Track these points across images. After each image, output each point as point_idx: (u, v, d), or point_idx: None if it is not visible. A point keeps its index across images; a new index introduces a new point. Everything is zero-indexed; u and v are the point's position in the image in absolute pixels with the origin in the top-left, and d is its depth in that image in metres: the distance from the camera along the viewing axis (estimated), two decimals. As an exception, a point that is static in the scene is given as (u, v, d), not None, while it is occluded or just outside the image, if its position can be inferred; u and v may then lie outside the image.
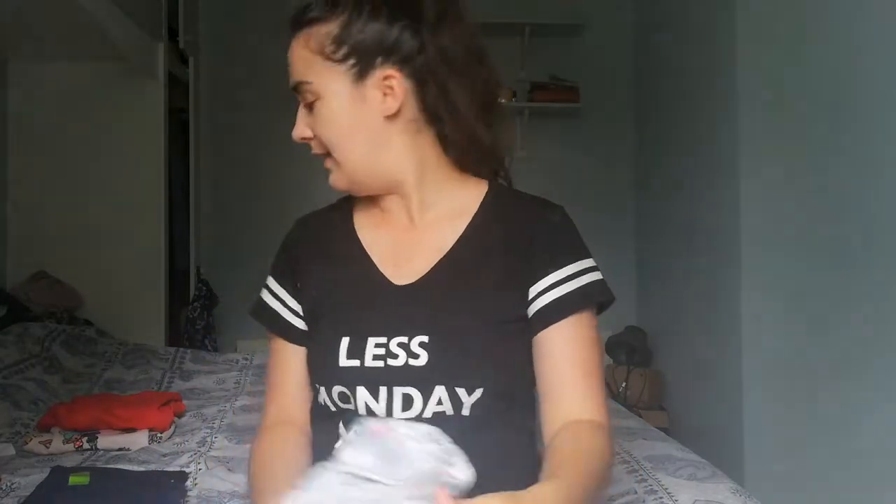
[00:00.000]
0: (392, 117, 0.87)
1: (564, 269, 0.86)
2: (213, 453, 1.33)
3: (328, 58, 0.85)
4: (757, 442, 2.28)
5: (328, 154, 0.90)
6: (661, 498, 1.05)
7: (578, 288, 0.85)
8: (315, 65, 0.86)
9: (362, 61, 0.85)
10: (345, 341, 0.85)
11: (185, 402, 1.66)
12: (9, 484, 1.16)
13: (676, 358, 3.03)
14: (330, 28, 0.85)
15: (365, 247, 0.93)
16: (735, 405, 2.35)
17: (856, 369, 1.86)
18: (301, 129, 0.90)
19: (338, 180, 0.91)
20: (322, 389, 0.87)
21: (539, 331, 0.85)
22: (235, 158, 3.47)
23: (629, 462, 1.22)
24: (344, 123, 0.87)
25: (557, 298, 0.85)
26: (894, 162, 1.72)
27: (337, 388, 0.85)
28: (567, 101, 3.43)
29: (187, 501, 1.10)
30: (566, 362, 0.84)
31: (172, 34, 2.97)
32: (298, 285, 0.95)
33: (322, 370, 0.88)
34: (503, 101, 3.44)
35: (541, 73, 3.49)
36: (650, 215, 3.38)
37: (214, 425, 1.53)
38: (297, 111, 0.91)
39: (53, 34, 2.45)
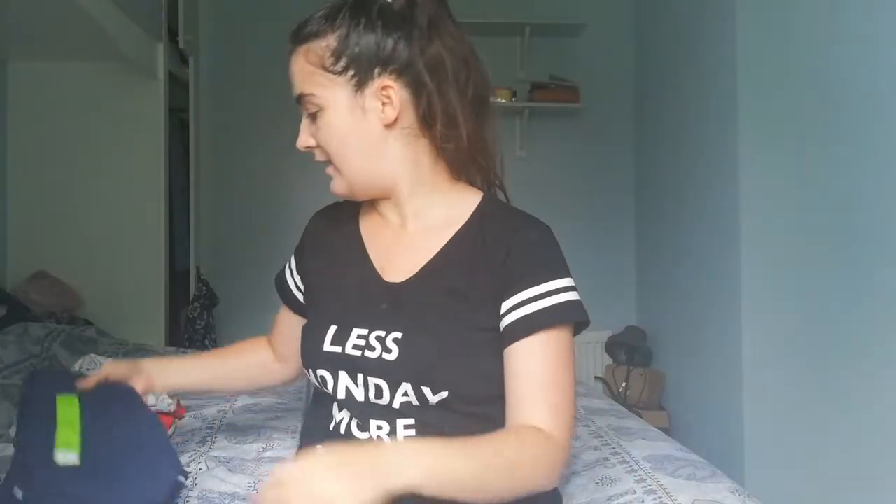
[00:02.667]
0: (390, 126, 0.91)
1: (538, 286, 0.87)
2: (213, 453, 1.33)
3: (328, 70, 0.89)
4: (757, 442, 2.28)
5: (330, 161, 0.94)
6: (660, 498, 1.05)
7: (550, 307, 0.86)
8: (316, 77, 0.90)
9: (360, 72, 0.89)
10: (332, 328, 0.92)
11: (184, 402, 1.66)
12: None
13: (676, 358, 3.03)
14: (329, 41, 0.89)
15: (365, 243, 0.99)
16: (735, 405, 2.35)
17: (857, 370, 1.86)
18: (305, 139, 0.95)
19: (338, 186, 0.96)
20: (309, 371, 0.95)
21: (508, 345, 0.87)
22: (235, 158, 3.47)
23: (629, 462, 1.22)
24: (345, 133, 0.91)
25: (527, 315, 0.86)
26: (894, 161, 1.72)
27: (319, 371, 0.92)
28: (567, 101, 3.43)
29: (187, 501, 1.10)
30: (530, 377, 0.85)
31: (172, 34, 2.96)
32: (304, 269, 1.07)
33: (309, 353, 0.95)
34: (502, 100, 3.44)
35: (541, 73, 3.49)
36: (650, 215, 3.38)
37: (214, 425, 1.53)
38: (300, 120, 0.95)
39: (53, 34, 2.45)
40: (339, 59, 0.89)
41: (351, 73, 0.89)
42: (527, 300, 0.87)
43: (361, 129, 0.91)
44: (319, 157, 0.95)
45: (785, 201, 2.20)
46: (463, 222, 0.94)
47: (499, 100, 3.34)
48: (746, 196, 2.34)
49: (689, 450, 1.29)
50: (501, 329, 0.88)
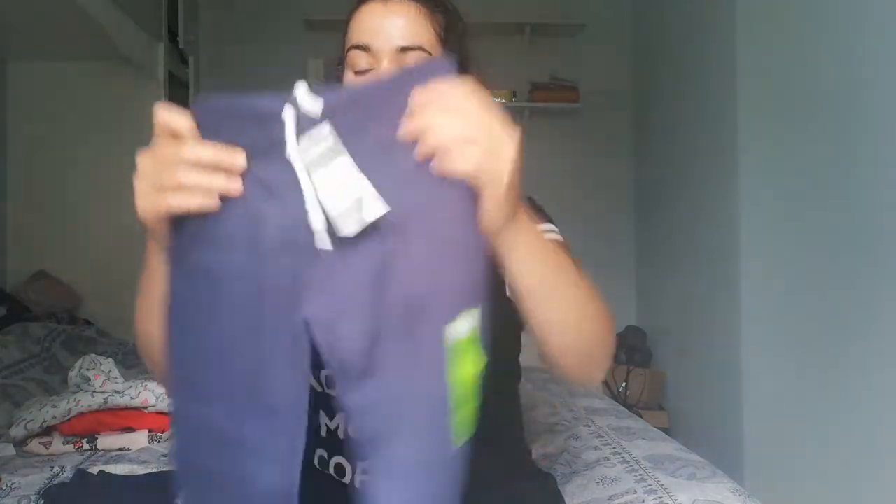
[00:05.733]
0: None
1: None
2: (212, 453, 1.33)
3: (440, 41, 0.88)
4: (757, 442, 2.28)
5: None
6: (660, 498, 1.05)
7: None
8: (432, 41, 0.88)
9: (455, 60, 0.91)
10: None
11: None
12: (9, 484, 1.16)
13: (676, 358, 3.03)
14: (437, 16, 0.89)
15: None
16: (735, 405, 2.35)
17: (857, 369, 1.86)
18: None
19: None
20: None
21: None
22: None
23: (629, 462, 1.22)
24: None
25: None
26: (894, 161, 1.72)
27: None
28: (567, 101, 3.43)
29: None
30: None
31: (172, 34, 2.97)
32: None
33: None
34: (502, 100, 3.44)
35: (541, 73, 3.49)
36: (650, 215, 3.38)
37: (214, 425, 1.53)
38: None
39: (53, 34, 2.45)
40: (449, 38, 0.89)
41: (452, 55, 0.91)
42: None
43: None
44: None
45: (785, 201, 2.20)
46: None
47: (499, 100, 3.34)
48: (746, 195, 2.34)
49: (689, 450, 1.29)
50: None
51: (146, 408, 1.44)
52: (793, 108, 2.17)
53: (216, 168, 0.59)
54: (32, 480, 1.17)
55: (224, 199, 0.59)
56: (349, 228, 0.57)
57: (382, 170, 0.59)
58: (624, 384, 3.09)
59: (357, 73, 0.88)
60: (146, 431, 1.43)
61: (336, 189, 0.58)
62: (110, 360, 1.54)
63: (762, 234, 2.30)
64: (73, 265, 2.77)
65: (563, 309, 0.71)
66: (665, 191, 3.15)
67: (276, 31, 3.42)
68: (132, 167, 0.63)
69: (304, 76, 2.82)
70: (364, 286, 0.59)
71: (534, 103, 3.41)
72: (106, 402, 1.42)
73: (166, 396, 1.08)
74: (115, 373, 1.49)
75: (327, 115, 0.58)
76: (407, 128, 0.59)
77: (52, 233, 2.79)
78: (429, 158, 0.59)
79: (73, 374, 1.49)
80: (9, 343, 2.00)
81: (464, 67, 0.93)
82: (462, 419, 0.64)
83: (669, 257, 3.10)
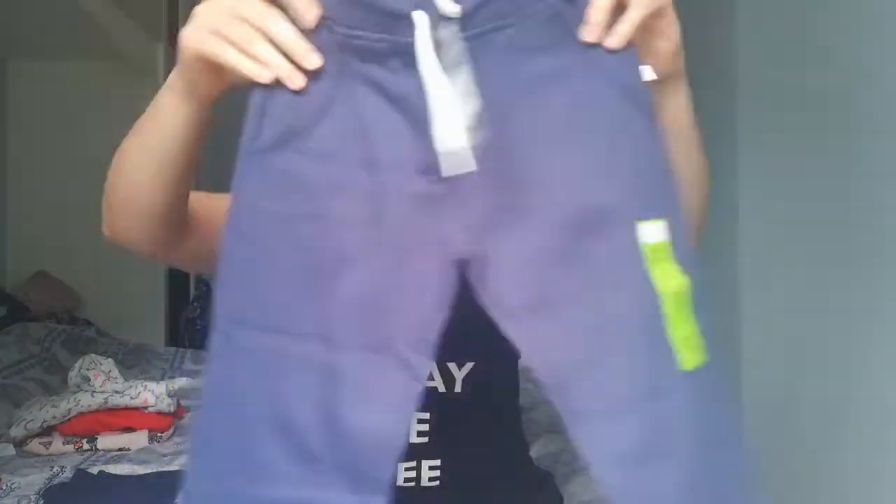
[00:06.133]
0: None
1: None
2: (213, 453, 1.33)
3: None
4: (757, 442, 2.27)
5: None
6: (661, 498, 1.05)
7: None
8: None
9: None
10: None
11: (184, 402, 1.66)
12: (9, 484, 1.16)
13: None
14: None
15: None
16: (735, 405, 2.35)
17: (858, 370, 1.86)
18: None
19: None
20: None
21: None
22: (235, 158, 3.46)
23: (629, 462, 1.21)
24: None
25: None
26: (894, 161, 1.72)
27: None
28: (567, 101, 3.43)
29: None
30: None
31: (172, 34, 2.96)
32: None
33: None
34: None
35: (541, 73, 3.48)
36: (650, 215, 3.37)
37: (214, 425, 1.53)
38: None
39: (53, 34, 2.45)
40: None
41: None
42: None
43: None
44: None
45: (785, 201, 2.20)
46: None
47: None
48: (746, 196, 2.34)
49: (689, 450, 1.29)
50: None
51: (146, 408, 1.44)
52: (795, 108, 2.17)
53: (287, 51, 0.53)
54: (32, 480, 1.18)
55: (327, 102, 0.52)
56: (462, 158, 0.50)
57: (526, 72, 0.52)
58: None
59: None
60: (146, 431, 1.43)
61: (459, 107, 0.50)
62: (110, 360, 1.54)
63: (763, 235, 2.30)
64: (73, 265, 2.76)
65: (699, 163, 0.74)
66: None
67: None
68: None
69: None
70: (514, 205, 0.51)
71: (534, 103, 3.41)
72: (106, 402, 1.42)
73: (108, 231, 0.80)
74: (115, 373, 1.49)
75: (467, 19, 0.51)
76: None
77: (52, 233, 2.79)
78: (571, 59, 0.53)
79: (73, 374, 1.49)
80: (9, 343, 2.00)
81: None
82: (683, 337, 0.51)
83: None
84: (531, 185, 0.52)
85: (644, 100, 0.55)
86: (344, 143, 0.53)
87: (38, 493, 1.13)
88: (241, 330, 0.54)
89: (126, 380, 1.49)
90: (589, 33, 0.54)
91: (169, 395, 1.47)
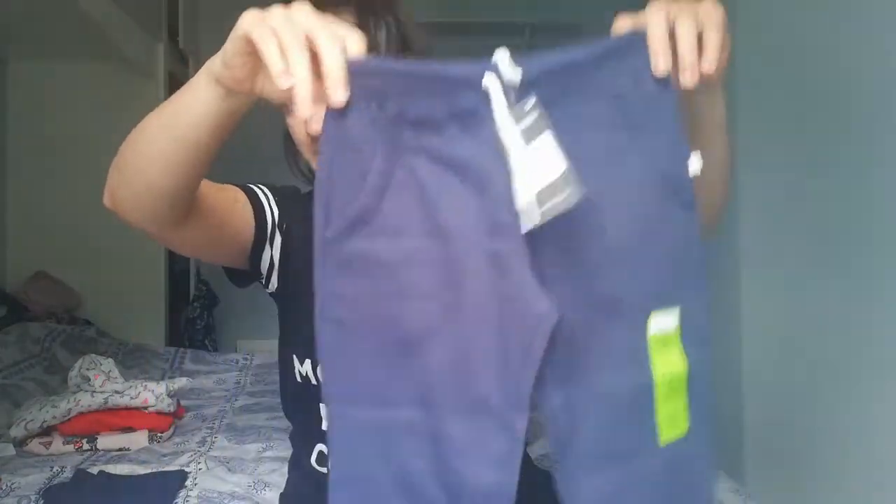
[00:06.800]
0: None
1: None
2: (213, 453, 1.33)
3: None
4: (757, 442, 2.28)
5: None
6: (661, 498, 1.05)
7: None
8: None
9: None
10: None
11: (184, 402, 1.66)
12: (9, 484, 1.16)
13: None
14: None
15: None
16: (735, 405, 2.35)
17: (858, 371, 1.86)
18: None
19: None
20: (307, 362, 0.87)
21: None
22: (235, 158, 3.46)
23: (629, 462, 1.22)
24: None
25: None
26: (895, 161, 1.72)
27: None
28: (567, 101, 3.43)
29: (187, 500, 1.10)
30: None
31: (172, 34, 2.97)
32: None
33: (305, 339, 0.79)
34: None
35: (541, 73, 3.49)
36: (650, 215, 3.37)
37: (214, 425, 1.54)
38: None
39: (53, 34, 2.45)
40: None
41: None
42: None
43: None
44: None
45: (785, 201, 2.20)
46: None
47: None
48: (746, 196, 2.34)
49: (689, 450, 1.29)
50: None
51: (146, 408, 1.44)
52: (795, 108, 2.17)
53: (324, 73, 0.53)
54: (32, 480, 1.18)
55: (386, 180, 0.53)
56: (539, 216, 0.51)
57: (572, 148, 0.52)
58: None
59: None
60: (146, 431, 1.43)
61: (539, 168, 0.50)
62: (110, 360, 1.54)
63: (763, 235, 2.30)
64: (73, 265, 2.76)
65: (728, 157, 0.74)
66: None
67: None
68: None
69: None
70: (561, 276, 0.54)
71: (534, 103, 3.41)
72: (106, 402, 1.42)
73: (110, 203, 0.78)
74: (115, 373, 1.49)
75: (527, 85, 0.52)
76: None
77: (52, 233, 2.79)
78: (623, 140, 0.56)
79: (73, 374, 1.49)
80: (9, 343, 2.00)
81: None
82: (669, 415, 0.58)
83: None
84: (571, 258, 0.55)
85: (684, 190, 0.57)
86: (410, 217, 0.54)
87: (38, 493, 1.13)
88: (350, 408, 0.57)
89: (126, 380, 1.49)
90: (685, 77, 0.57)
91: (169, 395, 1.47)
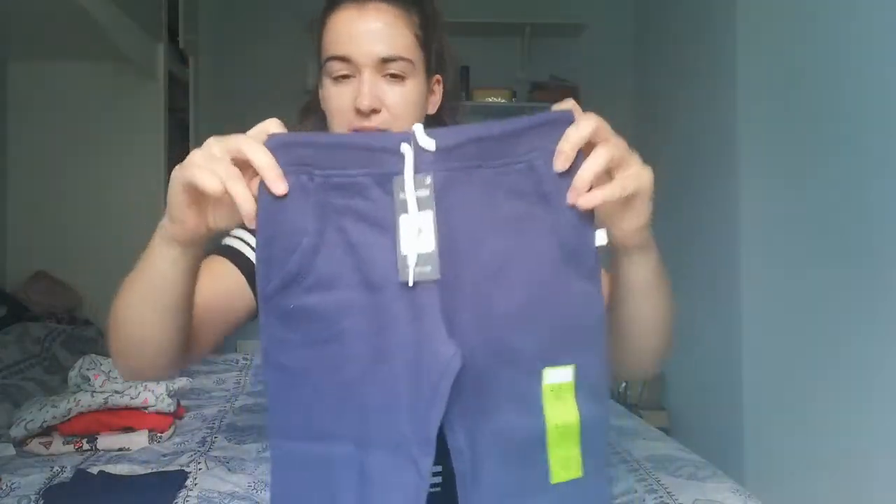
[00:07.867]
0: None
1: None
2: (213, 453, 1.33)
3: (422, 45, 0.89)
4: (757, 442, 2.28)
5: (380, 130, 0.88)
6: (661, 497, 1.05)
7: None
8: (412, 46, 0.88)
9: (434, 57, 0.93)
10: None
11: (184, 402, 1.66)
12: (9, 484, 1.16)
13: (676, 358, 3.02)
14: (414, 17, 0.89)
15: None
16: (735, 405, 2.35)
17: (858, 370, 1.86)
18: (376, 101, 0.86)
19: None
20: None
21: None
22: (235, 158, 3.46)
23: (629, 462, 1.22)
24: (418, 107, 0.91)
25: None
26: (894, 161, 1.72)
27: None
28: (567, 101, 3.43)
29: (187, 501, 1.10)
30: None
31: (172, 34, 2.96)
32: None
33: None
34: (502, 100, 3.47)
35: (541, 73, 3.49)
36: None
37: (214, 425, 1.53)
38: (334, 91, 0.89)
39: (53, 34, 2.45)
40: (428, 38, 0.90)
41: (431, 53, 0.91)
42: None
43: (423, 109, 0.93)
44: (380, 123, 0.86)
45: (786, 202, 2.20)
46: None
47: (499, 100, 3.34)
48: (747, 196, 2.34)
49: (689, 450, 1.29)
50: None
51: (146, 408, 1.44)
52: (795, 108, 2.17)
53: (260, 174, 0.60)
54: (32, 480, 1.17)
55: (318, 240, 0.60)
56: (410, 273, 0.59)
57: (484, 213, 0.60)
58: (624, 384, 3.09)
59: (335, 78, 0.88)
60: (146, 431, 1.42)
61: (419, 236, 0.59)
62: (110, 360, 1.53)
63: (763, 235, 2.30)
64: (73, 265, 2.76)
65: (662, 313, 0.76)
66: (665, 191, 3.14)
67: (276, 31, 3.42)
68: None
69: (303, 77, 2.82)
70: (470, 324, 0.60)
71: (534, 103, 3.41)
72: (106, 402, 1.41)
73: (120, 366, 0.86)
74: (115, 373, 1.49)
75: (441, 152, 0.60)
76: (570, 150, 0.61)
77: (52, 233, 2.79)
78: (531, 208, 0.61)
79: (73, 374, 1.49)
80: (9, 343, 2.00)
81: (440, 64, 0.95)
82: (561, 458, 0.64)
83: (669, 257, 3.09)
84: (480, 309, 0.61)
85: (585, 260, 0.63)
86: (342, 271, 0.61)
87: (38, 493, 1.13)
88: (291, 442, 0.64)
89: (126, 380, 1.48)
90: (573, 196, 0.60)
91: (169, 395, 1.47)
